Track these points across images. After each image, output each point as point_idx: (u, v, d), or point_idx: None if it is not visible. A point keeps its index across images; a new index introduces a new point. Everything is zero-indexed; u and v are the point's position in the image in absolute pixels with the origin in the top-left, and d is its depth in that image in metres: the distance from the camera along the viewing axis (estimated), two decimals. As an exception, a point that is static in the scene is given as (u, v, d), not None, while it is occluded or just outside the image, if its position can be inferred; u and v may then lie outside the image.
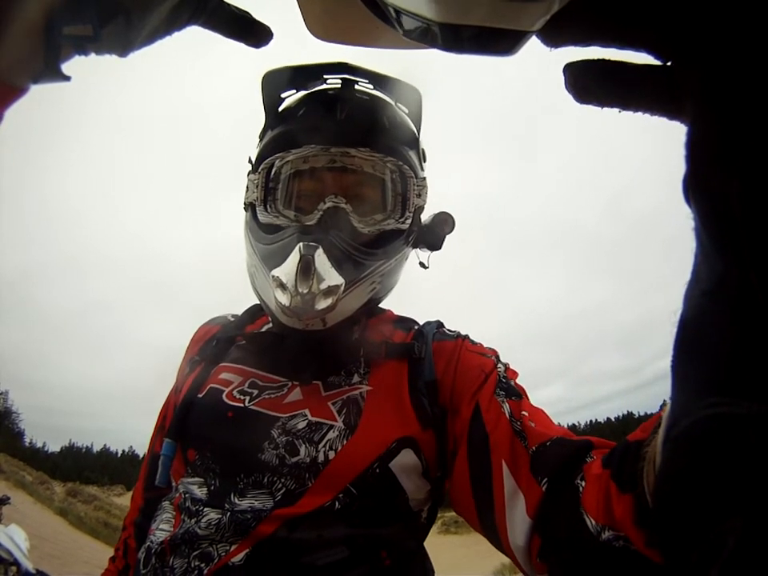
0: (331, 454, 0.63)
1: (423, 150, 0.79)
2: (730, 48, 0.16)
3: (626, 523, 0.45)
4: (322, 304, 0.64)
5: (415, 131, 0.76)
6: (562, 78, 0.26)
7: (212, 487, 0.65)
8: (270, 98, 0.74)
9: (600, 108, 0.26)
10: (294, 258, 0.64)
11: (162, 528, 0.67)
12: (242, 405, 0.69)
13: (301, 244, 0.64)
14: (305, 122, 0.71)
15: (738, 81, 0.16)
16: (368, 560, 0.62)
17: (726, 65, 0.17)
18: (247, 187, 0.75)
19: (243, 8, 0.37)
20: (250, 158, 0.77)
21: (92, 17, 0.28)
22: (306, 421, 0.66)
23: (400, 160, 0.72)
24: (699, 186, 0.17)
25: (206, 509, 0.63)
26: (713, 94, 0.17)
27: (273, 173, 0.73)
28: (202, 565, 0.59)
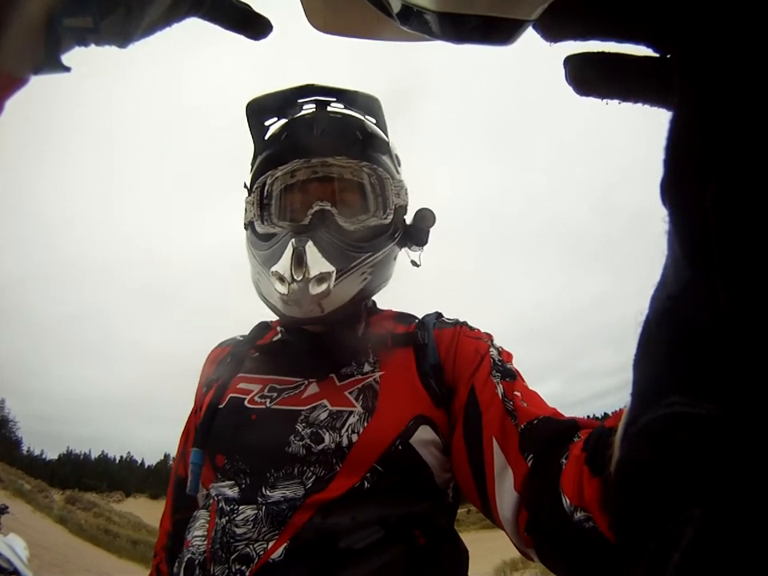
0: (354, 437, 0.67)
1: (396, 154, 0.86)
2: (715, 42, 0.16)
3: (593, 506, 0.47)
4: (317, 289, 0.69)
5: (385, 137, 0.84)
6: (562, 71, 0.26)
7: (243, 485, 0.67)
8: (257, 127, 0.83)
9: (600, 100, 0.26)
10: (288, 252, 0.71)
11: (197, 535, 0.66)
12: (264, 406, 0.73)
13: (293, 239, 0.71)
14: (288, 144, 0.81)
15: (722, 76, 0.16)
16: (403, 539, 0.64)
17: (711, 59, 0.16)
18: (245, 209, 0.83)
19: (243, 0, 0.37)
20: (245, 183, 0.85)
21: (92, 8, 0.28)
22: (327, 411, 0.70)
23: (374, 164, 0.80)
24: (675, 188, 0.17)
25: (240, 507, 0.64)
26: (695, 90, 0.16)
27: (266, 191, 0.81)
28: (243, 567, 0.60)
